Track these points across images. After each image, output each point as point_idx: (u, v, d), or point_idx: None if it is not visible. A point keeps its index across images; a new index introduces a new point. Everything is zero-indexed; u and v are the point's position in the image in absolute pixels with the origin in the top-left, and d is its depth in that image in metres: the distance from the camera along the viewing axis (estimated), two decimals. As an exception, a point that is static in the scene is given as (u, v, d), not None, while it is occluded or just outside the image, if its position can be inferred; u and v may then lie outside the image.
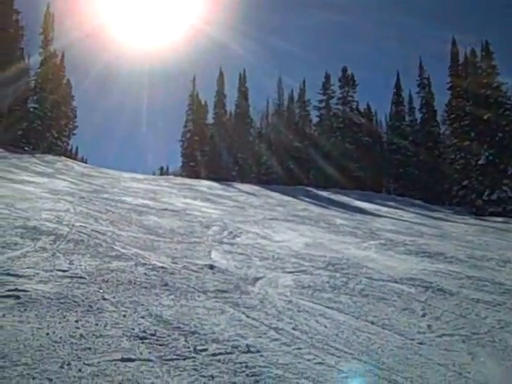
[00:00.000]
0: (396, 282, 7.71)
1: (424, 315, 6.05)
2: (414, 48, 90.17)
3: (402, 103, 47.80)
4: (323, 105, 49.52)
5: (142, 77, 71.09)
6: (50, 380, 3.30)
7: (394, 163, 44.91)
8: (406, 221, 21.76)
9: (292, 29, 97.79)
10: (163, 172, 61.90)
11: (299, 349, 4.45)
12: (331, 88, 49.48)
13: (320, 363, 4.17)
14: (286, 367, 3.99)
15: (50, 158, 32.64)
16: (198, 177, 40.38)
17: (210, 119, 52.34)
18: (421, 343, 5.00)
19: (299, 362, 4.14)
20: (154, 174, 46.96)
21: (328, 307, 5.99)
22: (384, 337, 5.07)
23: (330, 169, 42.07)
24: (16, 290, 5.05)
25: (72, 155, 52.02)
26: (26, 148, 37.12)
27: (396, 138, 45.50)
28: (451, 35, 43.28)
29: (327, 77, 49.78)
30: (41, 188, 15.65)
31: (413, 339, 5.09)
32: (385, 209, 27.33)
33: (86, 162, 45.24)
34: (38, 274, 5.82)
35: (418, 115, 47.22)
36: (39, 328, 4.19)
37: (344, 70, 49.02)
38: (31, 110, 39.89)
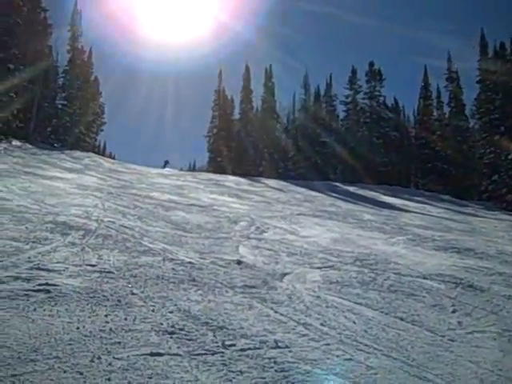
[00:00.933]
0: (425, 277, 7.61)
1: (454, 311, 5.96)
2: (441, 41, 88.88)
3: (429, 97, 47.16)
4: (350, 99, 49.18)
5: (169, 72, 71.59)
6: (81, 373, 3.33)
7: (421, 158, 44.40)
8: (434, 216, 21.52)
9: (318, 24, 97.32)
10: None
11: (328, 344, 4.42)
12: (358, 83, 49.15)
13: (349, 359, 4.14)
14: (314, 363, 3.96)
15: (78, 154, 32.99)
16: (224, 172, 40.39)
17: (236, 115, 52.46)
18: (451, 340, 4.92)
19: (328, 358, 4.11)
20: (181, 169, 46.98)
21: (356, 303, 5.94)
22: (414, 333, 5.01)
23: (357, 164, 41.80)
24: (46, 284, 5.12)
25: (100, 151, 52.57)
26: (55, 144, 37.57)
27: (424, 133, 44.94)
28: (479, 28, 42.68)
29: (354, 71, 49.43)
30: (70, 184, 15.85)
31: (443, 336, 5.01)
32: (413, 204, 27.06)
33: (113, 158, 45.58)
34: (67, 268, 5.90)
35: (447, 109, 46.64)
36: (69, 322, 4.23)
37: (371, 65, 48.62)
38: (60, 106, 40.42)
